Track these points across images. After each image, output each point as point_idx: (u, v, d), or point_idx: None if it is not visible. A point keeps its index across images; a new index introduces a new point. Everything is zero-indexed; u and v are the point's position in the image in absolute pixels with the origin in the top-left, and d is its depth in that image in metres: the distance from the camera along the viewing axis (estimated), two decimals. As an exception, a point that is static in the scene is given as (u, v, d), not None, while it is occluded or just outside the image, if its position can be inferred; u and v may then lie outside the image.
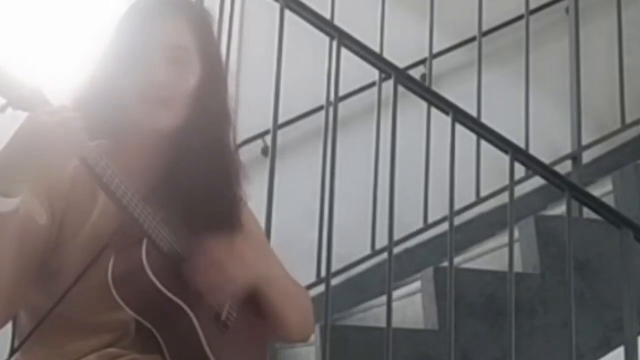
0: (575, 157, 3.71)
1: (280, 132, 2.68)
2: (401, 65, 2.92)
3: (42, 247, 1.55)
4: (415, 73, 3.86)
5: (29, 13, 3.48)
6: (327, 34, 2.69)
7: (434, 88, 3.10)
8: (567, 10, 3.97)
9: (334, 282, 2.76)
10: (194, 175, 1.62)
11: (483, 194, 3.56)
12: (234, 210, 1.69)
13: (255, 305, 1.68)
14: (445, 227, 2.78)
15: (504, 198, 2.87)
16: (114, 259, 1.51)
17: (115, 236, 1.53)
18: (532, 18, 3.81)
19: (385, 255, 2.72)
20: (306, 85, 3.23)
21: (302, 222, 3.28)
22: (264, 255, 1.76)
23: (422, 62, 3.95)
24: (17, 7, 3.47)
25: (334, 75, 2.66)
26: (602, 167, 3.85)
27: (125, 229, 1.52)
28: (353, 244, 3.43)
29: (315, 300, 1.96)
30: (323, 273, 2.72)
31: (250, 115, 3.41)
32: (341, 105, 2.73)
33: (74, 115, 1.42)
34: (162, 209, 1.56)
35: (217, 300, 1.61)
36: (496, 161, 2.95)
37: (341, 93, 2.73)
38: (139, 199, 1.51)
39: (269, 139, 2.89)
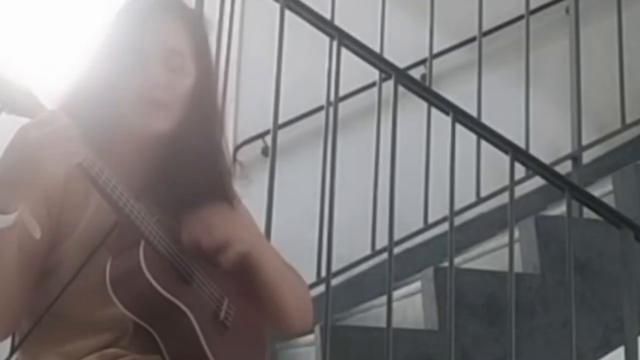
0: (575, 157, 3.70)
1: (280, 132, 2.68)
2: (401, 65, 2.92)
3: (42, 256, 1.56)
4: (415, 73, 3.86)
5: (20, 14, 3.47)
6: (327, 34, 2.69)
7: (434, 88, 3.10)
8: (567, 10, 3.96)
9: (334, 282, 2.76)
10: (188, 176, 1.63)
11: (483, 194, 3.55)
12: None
13: (252, 290, 1.68)
14: (445, 227, 2.78)
15: (504, 198, 2.87)
16: (111, 261, 1.51)
17: (112, 237, 1.53)
18: (532, 18, 3.80)
19: (385, 255, 2.72)
20: (306, 85, 3.23)
21: (302, 222, 3.28)
22: (257, 235, 1.76)
23: (422, 62, 3.96)
24: (9, 8, 3.46)
25: (334, 75, 2.66)
26: (602, 167, 3.85)
27: (121, 230, 1.53)
28: (353, 244, 3.43)
29: (315, 300, 1.96)
30: (323, 273, 2.72)
31: (250, 115, 3.44)
32: (341, 105, 2.73)
33: (65, 123, 1.40)
34: (157, 210, 1.56)
35: (218, 259, 1.60)
36: (496, 161, 2.95)
37: (341, 93, 2.73)
38: (134, 201, 1.51)
39: (269, 139, 2.89)
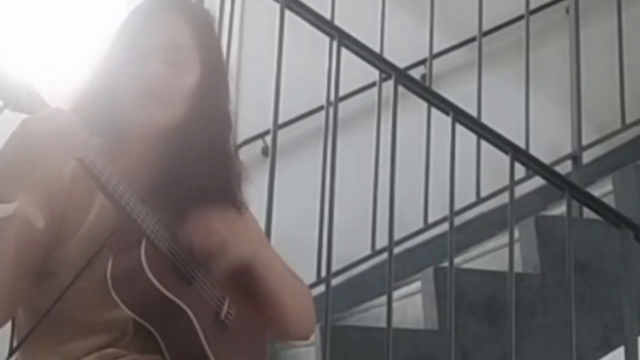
0: (575, 157, 3.70)
1: (280, 132, 2.68)
2: (401, 65, 2.92)
3: (42, 249, 1.56)
4: (415, 73, 3.86)
5: (27, 14, 3.47)
6: (327, 34, 2.69)
7: (434, 88, 3.11)
8: (567, 10, 3.97)
9: (334, 282, 2.76)
10: (192, 175, 1.63)
11: (483, 194, 3.55)
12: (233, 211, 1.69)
13: (253, 295, 1.68)
14: (445, 227, 2.78)
15: (504, 198, 2.87)
16: (113, 259, 1.51)
17: (114, 236, 1.53)
18: (532, 18, 3.80)
19: (385, 255, 2.72)
20: (306, 85, 3.23)
21: (302, 222, 3.28)
22: (261, 243, 1.75)
23: (422, 62, 3.95)
24: (15, 8, 3.46)
25: (334, 75, 2.66)
26: (602, 167, 3.86)
27: (123, 229, 1.53)
28: (353, 244, 3.43)
29: (315, 300, 1.96)
30: (323, 273, 2.72)
31: (250, 115, 3.42)
32: (341, 105, 2.73)
33: (69, 119, 1.42)
34: (160, 209, 1.56)
35: (210, 264, 1.59)
36: (496, 161, 2.95)
37: (341, 93, 2.73)
38: (137, 199, 1.52)
39: (269, 139, 2.89)
